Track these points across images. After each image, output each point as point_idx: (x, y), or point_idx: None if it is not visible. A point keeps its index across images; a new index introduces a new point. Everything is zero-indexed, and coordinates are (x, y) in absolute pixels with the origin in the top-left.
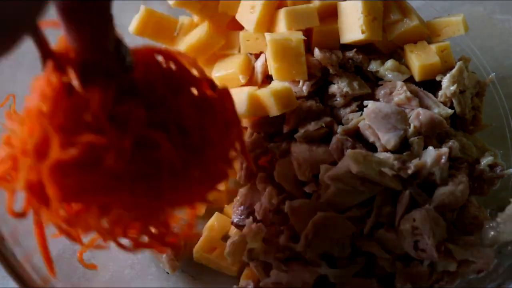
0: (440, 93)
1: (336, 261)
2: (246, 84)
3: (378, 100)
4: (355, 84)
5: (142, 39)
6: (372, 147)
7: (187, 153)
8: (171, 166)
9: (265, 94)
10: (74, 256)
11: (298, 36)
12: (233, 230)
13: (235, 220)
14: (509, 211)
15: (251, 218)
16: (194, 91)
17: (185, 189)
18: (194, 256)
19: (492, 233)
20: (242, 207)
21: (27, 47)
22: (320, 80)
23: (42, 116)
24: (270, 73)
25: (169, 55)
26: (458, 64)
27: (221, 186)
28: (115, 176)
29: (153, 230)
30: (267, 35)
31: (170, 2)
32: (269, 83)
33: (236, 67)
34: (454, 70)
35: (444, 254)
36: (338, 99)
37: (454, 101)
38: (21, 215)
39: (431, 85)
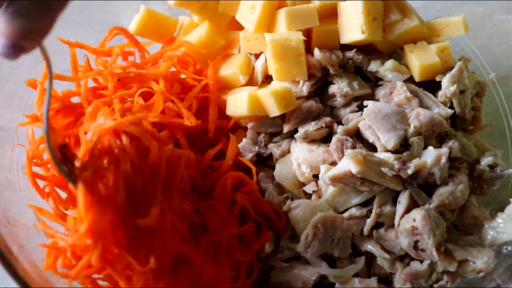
0: (440, 93)
1: (336, 261)
2: (246, 84)
3: (378, 100)
4: (355, 84)
5: None
6: (372, 147)
7: None
8: None
9: (265, 94)
10: None
11: (298, 36)
12: None
13: None
14: (509, 211)
15: None
16: None
17: None
18: None
19: (492, 233)
20: None
21: None
22: (320, 80)
23: None
24: (270, 73)
25: None
26: (458, 64)
27: None
28: None
29: None
30: (267, 35)
31: (170, 2)
32: (269, 83)
33: (236, 67)
34: (454, 70)
35: (444, 254)
36: (338, 99)
37: (454, 101)
38: None
39: (431, 85)
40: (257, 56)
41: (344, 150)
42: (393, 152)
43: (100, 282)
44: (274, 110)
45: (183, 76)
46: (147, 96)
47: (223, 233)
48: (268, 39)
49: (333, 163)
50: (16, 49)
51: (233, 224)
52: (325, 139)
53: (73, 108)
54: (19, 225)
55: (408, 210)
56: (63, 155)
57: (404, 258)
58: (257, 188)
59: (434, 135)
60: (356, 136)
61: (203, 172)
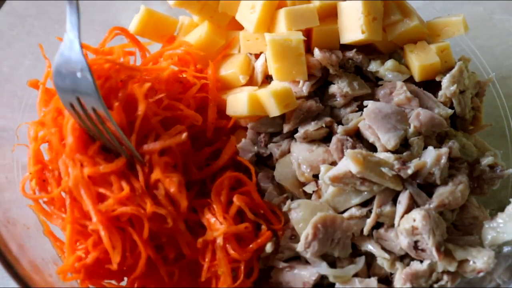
0: (440, 93)
1: (336, 261)
2: (246, 84)
3: (378, 100)
4: (355, 84)
5: None
6: (372, 147)
7: None
8: None
9: (265, 94)
10: None
11: (298, 36)
12: None
13: None
14: (509, 211)
15: None
16: None
17: None
18: None
19: (492, 233)
20: None
21: (27, 47)
22: (320, 80)
23: None
24: (270, 73)
25: None
26: (458, 64)
27: None
28: None
29: None
30: (267, 35)
31: (170, 2)
32: (269, 83)
33: (236, 67)
34: (454, 70)
35: (444, 254)
36: (338, 99)
37: (454, 101)
38: None
39: (431, 85)
40: (257, 56)
41: (344, 150)
42: (393, 152)
43: None
44: (274, 110)
45: (184, 75)
46: None
47: (218, 231)
48: (268, 39)
49: (333, 163)
50: None
51: (229, 223)
52: (325, 139)
53: None
54: (19, 225)
55: (408, 210)
56: None
57: (404, 258)
58: (255, 189)
59: (434, 135)
60: (356, 136)
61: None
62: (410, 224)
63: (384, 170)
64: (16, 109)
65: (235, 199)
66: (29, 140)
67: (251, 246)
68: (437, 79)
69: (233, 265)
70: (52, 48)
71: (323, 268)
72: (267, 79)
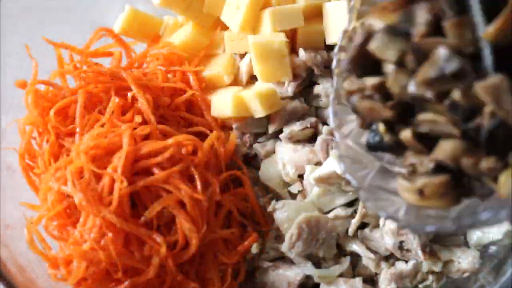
0: None
1: (321, 261)
2: (231, 84)
3: None
4: None
5: None
6: None
7: None
8: None
9: (249, 95)
10: None
11: (281, 38)
12: None
13: None
14: None
15: None
16: None
17: None
18: None
19: (478, 233)
20: None
21: (13, 47)
22: (305, 80)
23: None
24: (255, 74)
25: None
26: None
27: None
28: None
29: None
30: (250, 38)
31: (155, 2)
32: (254, 83)
33: (221, 67)
34: None
35: (429, 254)
36: (323, 99)
37: None
38: None
39: None
40: (242, 56)
41: (329, 150)
42: None
43: None
44: (259, 111)
45: (169, 75)
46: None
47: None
48: (250, 41)
49: (318, 163)
50: None
51: (217, 227)
52: (310, 139)
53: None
54: (2, 225)
55: None
56: None
57: (389, 258)
58: (251, 189)
59: None
60: None
61: None
62: (395, 224)
63: None
64: (1, 110)
65: (225, 201)
66: (19, 133)
67: (238, 249)
68: None
69: (220, 268)
70: (38, 49)
71: (308, 268)
72: (252, 79)
